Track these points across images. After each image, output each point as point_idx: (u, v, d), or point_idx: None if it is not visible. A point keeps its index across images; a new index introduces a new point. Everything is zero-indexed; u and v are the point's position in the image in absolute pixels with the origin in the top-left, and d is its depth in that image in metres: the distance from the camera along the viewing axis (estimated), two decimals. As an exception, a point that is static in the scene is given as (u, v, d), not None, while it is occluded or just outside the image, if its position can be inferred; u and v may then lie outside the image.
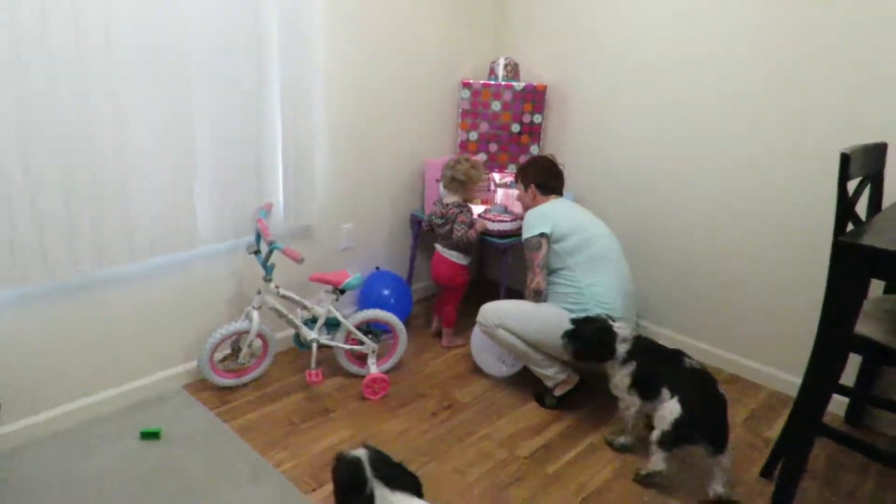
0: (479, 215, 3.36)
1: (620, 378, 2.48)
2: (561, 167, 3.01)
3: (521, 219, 3.38)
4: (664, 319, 3.47)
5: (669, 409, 2.27)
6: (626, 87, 3.34)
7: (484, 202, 3.62)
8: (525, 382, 3.01)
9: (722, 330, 3.26)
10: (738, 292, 3.15)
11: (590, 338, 2.48)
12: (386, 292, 3.47)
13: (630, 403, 2.48)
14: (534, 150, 3.68)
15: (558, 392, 2.85)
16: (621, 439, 2.57)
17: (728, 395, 2.34)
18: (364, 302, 3.51)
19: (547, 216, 2.79)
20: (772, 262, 3.00)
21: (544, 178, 2.95)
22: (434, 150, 3.69)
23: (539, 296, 2.76)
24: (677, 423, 2.23)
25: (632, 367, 2.46)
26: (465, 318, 3.47)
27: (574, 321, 2.55)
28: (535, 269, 2.76)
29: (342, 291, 2.87)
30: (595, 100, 3.49)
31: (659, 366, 2.42)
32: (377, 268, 3.60)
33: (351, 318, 2.95)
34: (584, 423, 2.78)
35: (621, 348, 2.46)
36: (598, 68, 3.43)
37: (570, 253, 2.73)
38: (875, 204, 2.37)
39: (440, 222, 3.29)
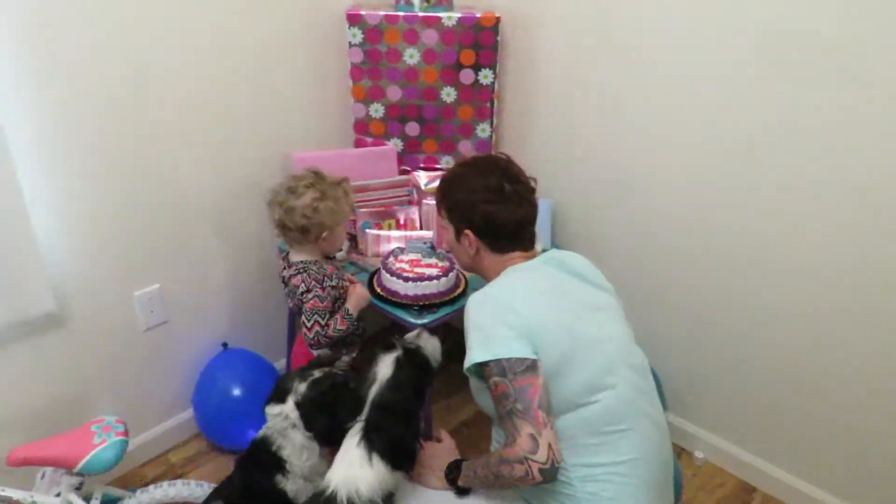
0: (384, 262, 1.87)
1: None
2: (530, 182, 1.45)
3: (459, 271, 1.90)
4: (714, 423, 2.08)
5: None
6: (651, 18, 1.79)
7: (400, 227, 2.12)
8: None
9: (806, 454, 1.87)
10: (832, 400, 1.74)
11: None
12: (236, 391, 2.03)
13: None
14: (482, 131, 2.13)
15: None
16: None
17: None
18: (201, 406, 2.08)
19: (522, 317, 1.24)
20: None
21: (492, 219, 1.38)
22: (307, 139, 2.13)
23: (551, 478, 1.17)
24: None
25: None
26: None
27: None
28: (532, 415, 1.17)
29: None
30: (595, 41, 1.93)
31: None
32: (224, 345, 2.14)
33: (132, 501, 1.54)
34: None
35: None
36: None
37: (554, 409, 1.23)
38: None
39: (285, 292, 1.83)
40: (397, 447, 1.29)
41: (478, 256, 1.43)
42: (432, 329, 1.58)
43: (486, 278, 1.43)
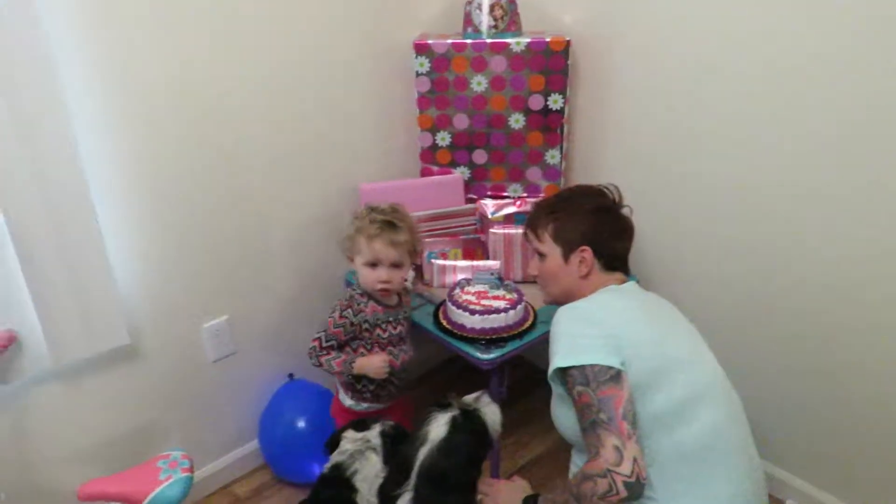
0: (451, 294, 1.81)
1: None
2: (627, 210, 1.46)
3: (527, 303, 1.83)
4: (808, 468, 1.91)
5: None
6: (737, 42, 1.69)
7: (468, 255, 2.07)
8: None
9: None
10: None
11: None
12: (301, 423, 2.00)
13: None
14: (551, 157, 2.07)
15: None
16: None
17: None
18: (266, 438, 2.06)
19: (612, 328, 1.21)
20: None
21: (610, 237, 1.39)
22: (374, 169, 2.11)
23: (637, 494, 1.09)
24: None
25: None
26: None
27: None
28: (616, 426, 1.11)
29: (153, 510, 1.43)
30: (670, 64, 1.84)
31: None
32: (290, 376, 2.13)
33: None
34: None
35: None
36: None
37: (644, 429, 1.17)
38: None
39: None
40: None
41: (586, 279, 1.37)
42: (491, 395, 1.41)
43: None
